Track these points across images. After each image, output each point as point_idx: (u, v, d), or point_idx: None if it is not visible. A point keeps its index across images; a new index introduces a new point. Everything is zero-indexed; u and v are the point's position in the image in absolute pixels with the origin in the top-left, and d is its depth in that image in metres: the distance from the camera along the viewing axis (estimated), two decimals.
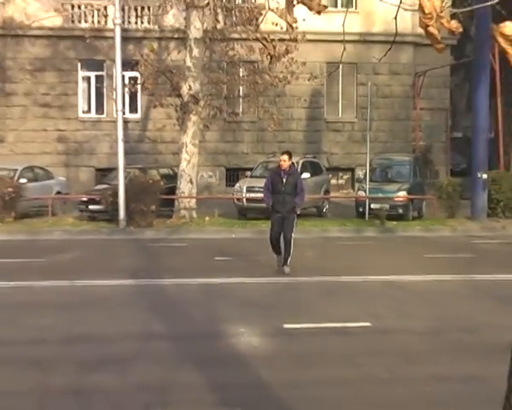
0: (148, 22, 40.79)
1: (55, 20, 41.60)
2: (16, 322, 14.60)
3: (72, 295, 17.09)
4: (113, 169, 33.11)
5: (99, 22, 41.09)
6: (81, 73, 43.04)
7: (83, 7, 41.86)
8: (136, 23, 41.31)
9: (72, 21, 42.12)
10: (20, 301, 16.75)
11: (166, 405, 9.77)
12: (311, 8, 4.37)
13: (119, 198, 30.79)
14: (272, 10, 27.01)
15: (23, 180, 34.00)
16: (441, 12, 3.97)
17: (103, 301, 16.71)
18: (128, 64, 37.20)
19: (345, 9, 39.96)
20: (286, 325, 13.91)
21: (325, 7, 4.46)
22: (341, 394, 10.34)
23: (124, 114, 33.79)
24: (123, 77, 34.54)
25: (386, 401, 10.00)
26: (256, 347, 12.68)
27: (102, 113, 42.54)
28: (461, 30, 4.17)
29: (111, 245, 26.85)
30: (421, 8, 3.97)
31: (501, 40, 3.90)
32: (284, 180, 19.84)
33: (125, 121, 37.02)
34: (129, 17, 41.00)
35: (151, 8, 40.32)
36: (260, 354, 12.23)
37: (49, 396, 10.23)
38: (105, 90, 42.14)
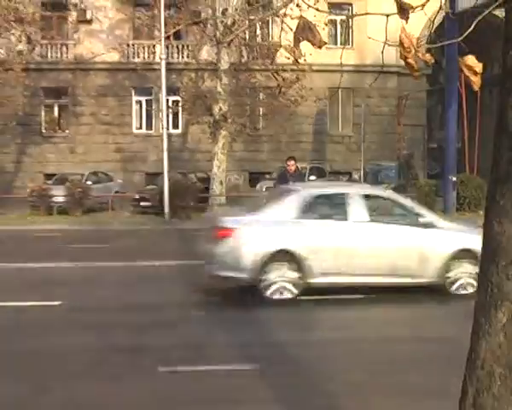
0: (187, 57, 40.67)
1: (114, 56, 41.68)
2: (85, 294, 14.65)
3: (128, 273, 17.17)
4: (160, 173, 33.15)
5: (148, 57, 41.15)
6: (134, 98, 43.04)
7: (135, 45, 41.91)
8: (178, 57, 41.26)
9: (127, 57, 42.13)
10: (87, 277, 16.81)
11: (202, 360, 9.76)
12: (313, 44, 4.38)
13: (164, 196, 30.90)
14: (284, 47, 26.90)
15: (89, 182, 34.29)
16: (418, 46, 3.97)
17: (152, 277, 16.76)
18: (171, 90, 37.14)
19: (342, 46, 39.96)
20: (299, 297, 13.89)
21: (325, 43, 4.47)
22: (341, 351, 10.30)
23: (168, 129, 33.95)
24: (167, 100, 34.77)
25: (375, 358, 9.95)
26: (274, 314, 12.67)
27: (151, 129, 42.53)
28: (433, 61, 4.19)
29: (157, 234, 26.94)
30: (401, 44, 3.97)
31: (465, 70, 3.93)
32: (291, 182, 18.29)
33: (169, 135, 37.10)
34: (172, 53, 40.93)
35: (189, 46, 40.28)
36: (277, 319, 12.22)
37: (109, 353, 10.23)
38: (153, 111, 42.11)
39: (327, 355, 10.03)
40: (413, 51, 3.93)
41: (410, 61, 3.96)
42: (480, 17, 4.06)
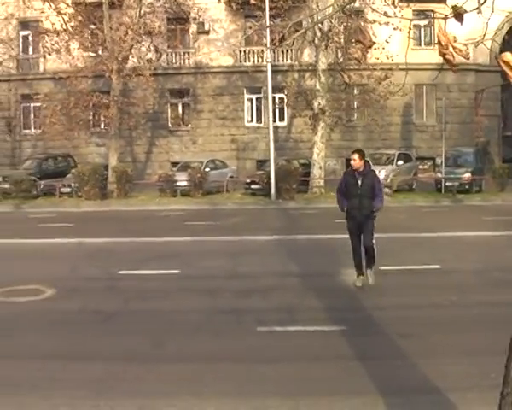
0: (291, 59, 40.55)
1: (229, 61, 42.05)
2: (196, 264, 14.86)
3: (236, 246, 17.28)
4: (268, 160, 33.20)
5: (258, 61, 41.13)
6: (246, 96, 43.15)
7: (247, 51, 42.02)
8: (283, 60, 41.14)
9: (240, 61, 42.28)
10: (201, 250, 17.03)
11: (294, 321, 9.78)
12: (364, 44, 4.30)
13: (271, 180, 30.97)
14: (375, 48, 26.64)
15: (207, 169, 34.54)
16: (455, 41, 3.86)
17: (256, 250, 16.83)
18: (277, 88, 37.13)
19: (426, 47, 39.08)
20: (381, 267, 13.73)
21: (374, 43, 4.39)
22: (415, 315, 10.17)
23: (274, 122, 34.04)
24: (274, 98, 34.79)
25: (446, 321, 9.79)
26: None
27: (261, 122, 42.55)
28: (469, 56, 4.05)
29: (264, 212, 27.00)
30: (438, 42, 3.86)
31: (503, 65, 3.80)
32: (359, 182, 12.36)
33: (276, 127, 37.20)
34: (277, 56, 40.88)
35: (292, 50, 40.17)
36: (360, 287, 12.12)
37: (215, 314, 10.37)
38: (262, 106, 42.14)
39: (406, 318, 9.92)
40: (450, 48, 3.81)
41: (448, 57, 3.85)
42: None
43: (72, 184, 33.24)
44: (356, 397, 6.93)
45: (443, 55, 3.88)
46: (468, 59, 4.12)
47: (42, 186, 34.09)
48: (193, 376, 7.70)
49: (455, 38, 3.89)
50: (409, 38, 6.07)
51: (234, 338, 9.14)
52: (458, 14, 4.25)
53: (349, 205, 12.37)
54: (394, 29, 26.04)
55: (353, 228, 12.48)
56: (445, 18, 4.41)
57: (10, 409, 6.84)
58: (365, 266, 12.44)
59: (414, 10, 32.74)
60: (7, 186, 33.17)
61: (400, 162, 34.17)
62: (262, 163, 38.75)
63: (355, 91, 36.83)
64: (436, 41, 3.95)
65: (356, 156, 12.43)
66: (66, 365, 8.13)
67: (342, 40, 32.86)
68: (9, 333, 9.54)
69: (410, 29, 30.69)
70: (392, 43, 29.59)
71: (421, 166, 39.75)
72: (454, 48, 3.85)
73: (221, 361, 8.21)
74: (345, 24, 31.27)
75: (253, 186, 33.15)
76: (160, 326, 9.75)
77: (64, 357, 8.44)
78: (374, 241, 12.35)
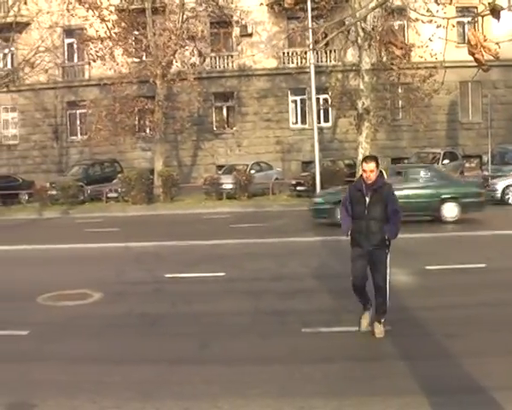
0: (334, 60, 40.53)
1: (272, 63, 42.14)
2: (241, 266, 14.97)
3: (280, 248, 17.35)
4: (313, 161, 33.17)
5: (301, 62, 41.12)
6: (290, 98, 43.18)
7: (290, 53, 42.04)
8: (326, 61, 41.09)
9: (283, 63, 42.35)
10: (246, 252, 17.10)
11: (339, 322, 9.80)
12: (396, 46, 4.38)
13: (316, 181, 30.93)
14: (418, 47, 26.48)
15: (253, 171, 34.71)
16: (485, 41, 3.88)
17: (301, 251, 16.86)
18: (321, 89, 37.08)
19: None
20: (426, 267, 13.67)
21: (406, 44, 4.44)
22: (459, 314, 10.11)
23: (319, 123, 33.99)
24: (317, 99, 34.73)
25: (491, 320, 9.72)
26: (403, 281, 12.54)
27: (305, 123, 42.50)
28: (499, 55, 4.07)
29: (307, 213, 26.85)
30: (468, 42, 3.89)
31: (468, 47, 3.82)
32: (367, 199, 9.06)
33: (320, 128, 37.16)
34: (321, 57, 40.87)
35: (336, 51, 40.09)
36: (406, 287, 12.09)
37: (260, 316, 10.46)
38: (307, 108, 42.10)
39: (451, 318, 9.86)
40: (479, 48, 3.83)
41: (478, 56, 3.87)
42: None
43: (119, 189, 33.68)
44: (400, 397, 6.94)
45: (472, 54, 3.91)
46: (498, 58, 4.13)
47: (89, 192, 34.66)
48: (238, 377, 7.79)
49: (485, 37, 3.90)
50: (446, 39, 6.03)
51: (279, 340, 9.20)
52: (494, 11, 4.26)
53: (354, 228, 9.23)
54: (437, 27, 25.81)
55: (358, 260, 9.25)
56: (480, 15, 4.43)
57: None
58: (373, 315, 9.41)
59: (457, 7, 32.48)
60: (54, 192, 33.79)
61: (446, 161, 34.01)
62: (307, 164, 38.76)
63: (399, 90, 36.63)
64: (466, 41, 3.98)
65: (371, 166, 9.09)
66: (114, 367, 8.30)
67: (383, 40, 32.68)
68: (58, 337, 9.75)
69: (452, 26, 30.18)
70: (437, 40, 29.32)
71: (467, 165, 39.36)
72: (483, 47, 3.87)
73: (266, 363, 8.28)
74: (387, 23, 31.12)
75: (298, 188, 33.19)
76: (205, 329, 9.87)
77: (111, 360, 8.62)
78: (387, 280, 9.29)
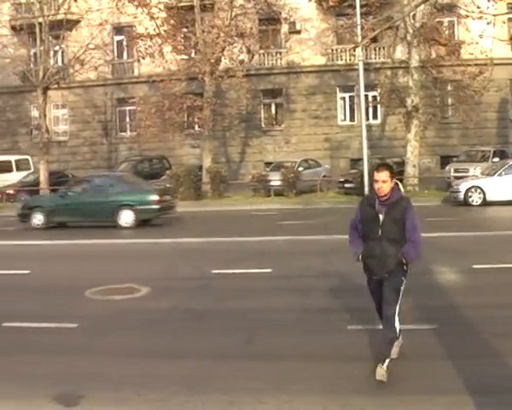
0: (383, 57, 40.28)
1: (321, 60, 42.04)
2: (288, 263, 14.96)
3: (327, 245, 17.18)
4: (361, 159, 33.03)
5: (350, 59, 40.94)
6: (339, 95, 43.05)
7: (339, 49, 41.89)
8: (375, 58, 40.88)
9: (332, 60, 42.24)
10: (292, 249, 17.13)
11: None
12: (439, 43, 4.33)
13: (364, 178, 30.78)
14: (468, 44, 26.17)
15: (301, 168, 34.76)
16: None
17: (347, 249, 16.64)
18: (370, 86, 36.93)
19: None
20: (474, 266, 13.51)
21: (449, 40, 4.39)
22: (508, 313, 9.95)
23: (368, 120, 33.85)
24: (366, 96, 34.53)
25: None
26: (452, 280, 12.42)
27: (354, 120, 42.29)
28: None
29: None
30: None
31: None
32: (381, 217, 7.59)
33: (369, 125, 37.09)
34: (370, 54, 40.62)
35: (385, 48, 39.83)
36: (454, 286, 11.98)
37: (306, 313, 10.45)
38: (355, 105, 41.90)
39: (499, 317, 9.73)
40: None
41: None
42: None
43: (168, 186, 33.88)
44: (445, 396, 6.87)
45: None
46: None
47: None
48: (283, 373, 7.79)
49: None
50: (493, 37, 5.96)
51: (324, 337, 9.20)
52: None
53: (365, 252, 7.88)
54: (488, 23, 25.49)
55: (374, 290, 8.09)
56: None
57: (105, 405, 7.10)
58: (377, 355, 7.91)
59: (508, 3, 32.01)
60: None
61: (496, 159, 33.46)
62: (355, 162, 38.57)
63: (449, 88, 36.27)
64: None
65: (384, 175, 7.55)
66: (159, 361, 8.38)
67: (428, 37, 32.34)
68: (106, 331, 9.88)
69: (503, 23, 29.72)
70: (487, 37, 28.96)
71: None
72: None
73: (311, 359, 8.27)
74: (434, 20, 30.79)
75: (346, 185, 33.11)
76: (250, 324, 9.90)
77: (157, 354, 8.70)
78: (397, 312, 7.73)
